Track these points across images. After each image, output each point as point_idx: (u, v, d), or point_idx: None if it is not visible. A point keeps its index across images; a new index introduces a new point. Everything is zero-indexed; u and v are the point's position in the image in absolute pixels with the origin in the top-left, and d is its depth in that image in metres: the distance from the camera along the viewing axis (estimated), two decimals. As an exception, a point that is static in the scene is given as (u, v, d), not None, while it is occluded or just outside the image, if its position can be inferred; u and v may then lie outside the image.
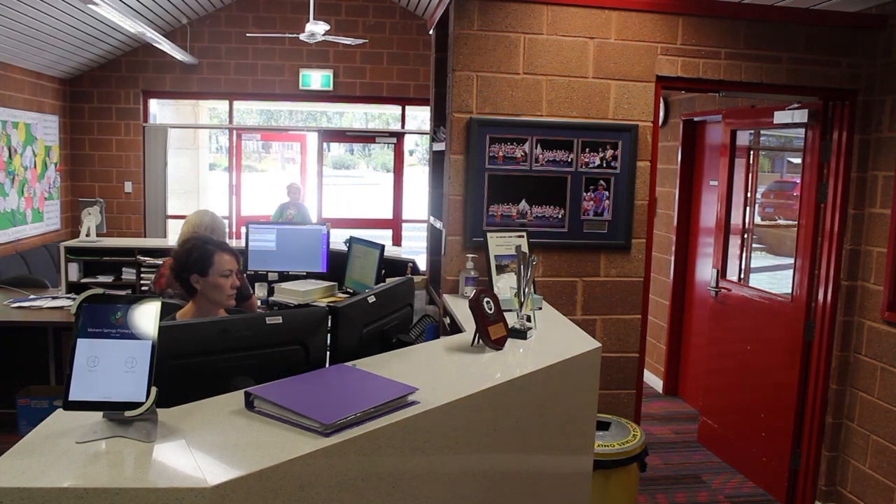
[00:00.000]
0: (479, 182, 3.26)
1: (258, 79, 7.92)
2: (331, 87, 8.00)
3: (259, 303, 4.06)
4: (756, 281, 4.42)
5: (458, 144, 3.23)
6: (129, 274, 5.76)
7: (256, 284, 4.34)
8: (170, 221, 8.07)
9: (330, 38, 6.44)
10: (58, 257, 5.88)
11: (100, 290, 1.46)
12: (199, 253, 2.50)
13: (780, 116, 3.88)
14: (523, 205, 3.31)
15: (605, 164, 3.34)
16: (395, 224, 8.45)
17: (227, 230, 3.73)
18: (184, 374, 1.69)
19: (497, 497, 2.02)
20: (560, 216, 3.34)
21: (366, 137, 11.02)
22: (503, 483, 2.05)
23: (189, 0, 7.15)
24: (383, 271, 4.26)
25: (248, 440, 1.44)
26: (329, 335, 2.00)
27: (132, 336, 1.42)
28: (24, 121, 6.65)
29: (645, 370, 5.49)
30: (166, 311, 2.40)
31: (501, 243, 3.10)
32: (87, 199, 5.97)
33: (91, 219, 5.73)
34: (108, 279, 5.77)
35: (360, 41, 7.03)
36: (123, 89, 7.75)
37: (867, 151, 3.55)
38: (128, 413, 1.38)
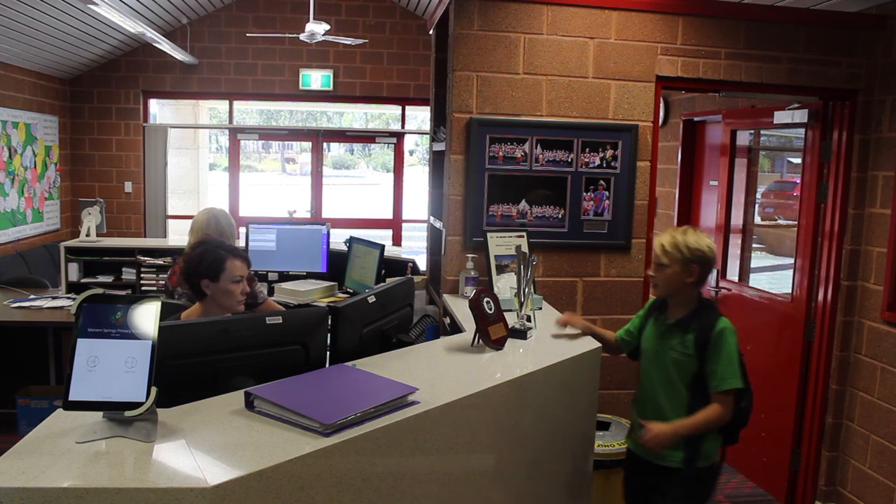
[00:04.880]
0: (479, 182, 3.25)
1: (258, 79, 7.92)
2: (331, 87, 8.00)
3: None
4: (756, 281, 4.42)
5: (458, 144, 3.23)
6: (129, 274, 5.75)
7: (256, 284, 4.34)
8: (170, 221, 8.07)
9: (330, 38, 6.44)
10: (58, 257, 5.88)
11: (100, 290, 1.46)
12: (211, 258, 2.47)
13: (780, 116, 3.88)
14: (523, 205, 3.31)
15: (605, 164, 3.34)
16: (395, 224, 8.44)
17: (235, 228, 3.60)
18: (184, 374, 1.69)
19: (497, 497, 2.02)
20: (560, 216, 3.34)
21: (366, 137, 11.01)
22: (503, 483, 2.05)
23: (189, 0, 7.15)
24: (383, 271, 4.26)
25: (248, 440, 1.44)
26: (329, 335, 2.00)
27: (132, 336, 1.42)
28: (24, 121, 6.65)
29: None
30: (169, 312, 2.40)
31: (501, 243, 3.10)
32: (87, 199, 5.97)
33: (91, 219, 5.72)
34: (108, 279, 5.77)
35: (360, 41, 7.03)
36: (123, 89, 7.74)
37: (867, 151, 3.55)
38: (128, 413, 1.38)
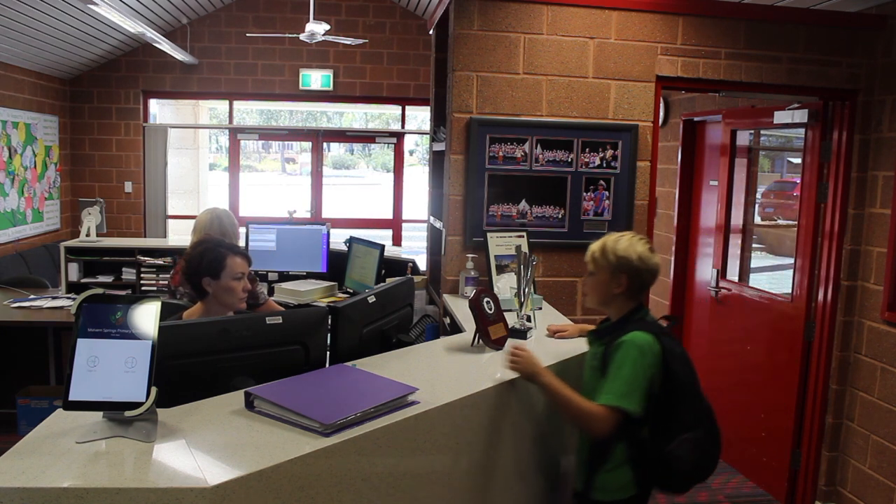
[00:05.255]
0: (479, 182, 3.25)
1: (258, 79, 7.92)
2: (331, 87, 8.00)
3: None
4: (756, 281, 4.42)
5: (458, 144, 3.23)
6: (129, 274, 5.75)
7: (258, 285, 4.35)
8: (170, 221, 8.07)
9: (330, 38, 6.44)
10: (58, 257, 5.88)
11: (100, 290, 1.46)
12: (211, 256, 2.47)
13: (780, 116, 3.88)
14: (523, 205, 3.31)
15: (605, 164, 3.34)
16: (395, 224, 8.44)
17: (237, 227, 3.60)
18: (184, 374, 1.69)
19: (496, 497, 2.02)
20: (560, 216, 3.34)
21: (366, 137, 11.01)
22: (503, 483, 2.05)
23: (189, 0, 7.15)
24: (383, 271, 4.26)
25: (248, 440, 1.44)
26: (329, 335, 2.00)
27: (132, 336, 1.42)
28: (24, 121, 6.65)
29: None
30: (170, 312, 2.39)
31: (501, 243, 3.10)
32: (87, 199, 5.97)
33: (91, 219, 5.72)
34: (108, 279, 5.77)
35: (360, 41, 7.03)
36: (123, 89, 7.74)
37: (867, 151, 3.55)
38: (128, 413, 1.38)
